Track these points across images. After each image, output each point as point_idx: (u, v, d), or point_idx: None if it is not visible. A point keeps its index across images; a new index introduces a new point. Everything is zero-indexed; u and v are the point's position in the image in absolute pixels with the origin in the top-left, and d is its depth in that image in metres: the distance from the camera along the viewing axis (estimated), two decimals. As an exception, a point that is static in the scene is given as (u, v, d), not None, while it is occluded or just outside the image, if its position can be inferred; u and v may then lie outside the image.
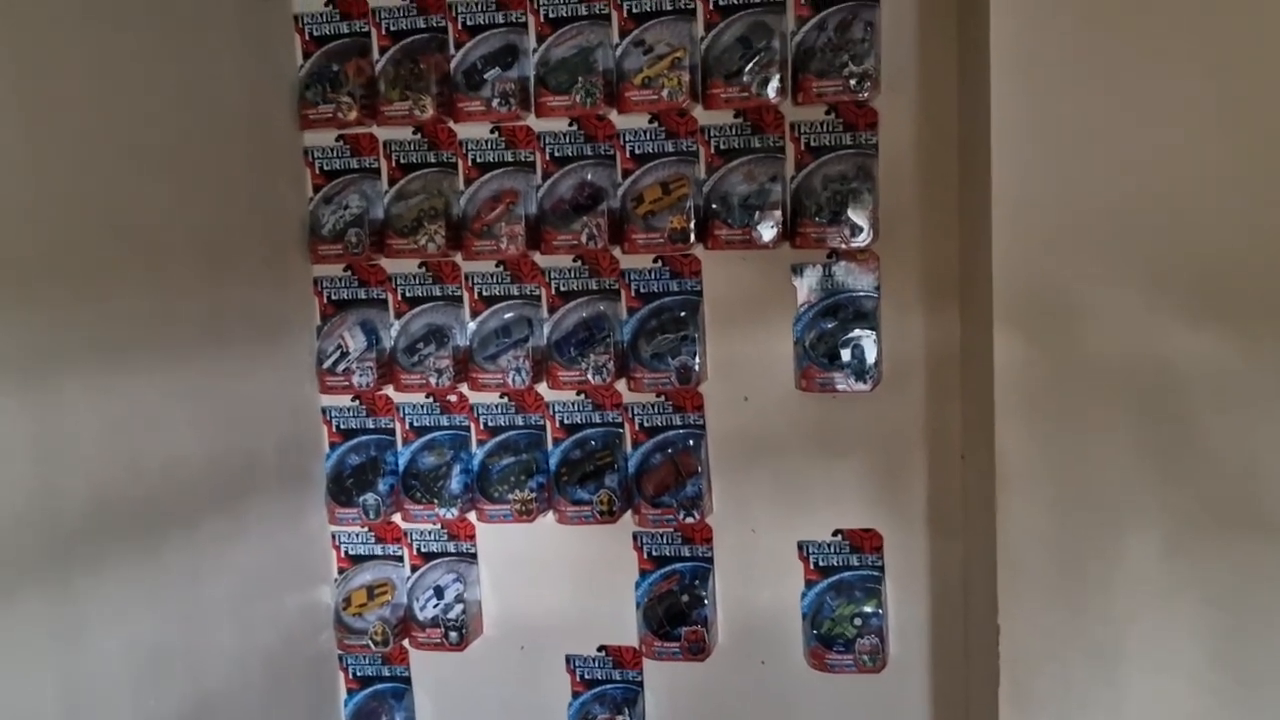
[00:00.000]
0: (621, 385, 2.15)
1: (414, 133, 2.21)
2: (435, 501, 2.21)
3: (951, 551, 2.08)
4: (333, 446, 2.30)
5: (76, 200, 1.59)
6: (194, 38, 1.89)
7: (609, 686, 2.27)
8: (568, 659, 2.29)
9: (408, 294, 2.24)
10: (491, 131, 2.17)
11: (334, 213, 2.22)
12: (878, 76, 1.97)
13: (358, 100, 2.15)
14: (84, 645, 1.58)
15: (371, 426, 2.29)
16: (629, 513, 2.17)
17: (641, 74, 2.03)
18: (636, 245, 2.07)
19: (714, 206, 2.05)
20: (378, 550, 2.32)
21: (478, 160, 2.19)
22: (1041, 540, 1.66)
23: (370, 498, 2.22)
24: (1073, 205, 1.60)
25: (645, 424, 2.18)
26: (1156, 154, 1.57)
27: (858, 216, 1.99)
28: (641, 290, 2.14)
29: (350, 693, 2.37)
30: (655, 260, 2.13)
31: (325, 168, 2.25)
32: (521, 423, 2.23)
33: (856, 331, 2.04)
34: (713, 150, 2.08)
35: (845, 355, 2.04)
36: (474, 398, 2.24)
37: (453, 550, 2.30)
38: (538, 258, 2.18)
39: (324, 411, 2.29)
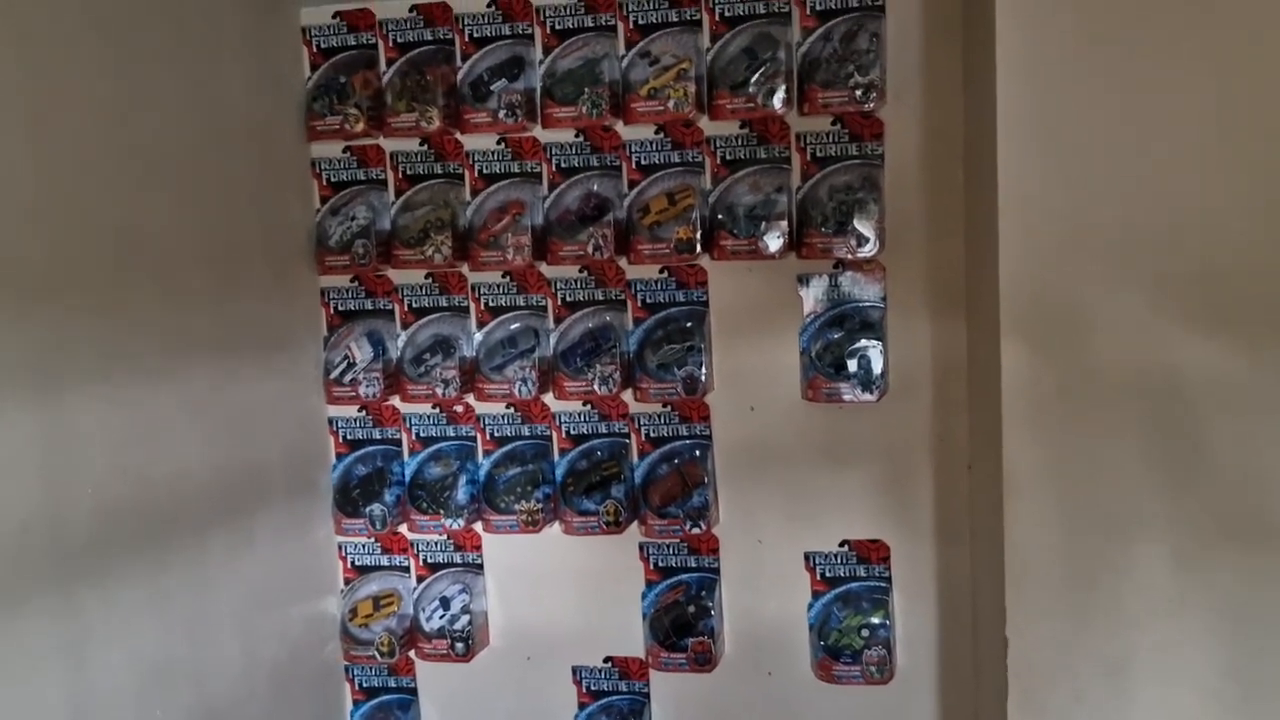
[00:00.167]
0: (628, 396, 2.15)
1: (421, 144, 2.21)
2: (441, 512, 2.21)
3: (959, 562, 2.08)
4: (339, 457, 2.30)
5: (85, 212, 1.60)
6: (202, 50, 1.90)
7: (615, 698, 2.27)
8: (574, 670, 2.28)
9: (414, 305, 2.25)
10: (498, 143, 2.18)
11: (341, 224, 2.23)
12: (883, 87, 1.97)
13: (365, 112, 2.16)
14: (90, 657, 1.58)
15: (378, 437, 2.29)
16: (635, 523, 2.16)
17: (647, 85, 2.03)
18: (642, 256, 2.07)
19: (720, 217, 2.06)
20: (384, 561, 2.32)
21: (484, 171, 2.19)
22: (1050, 550, 1.65)
23: (377, 508, 2.22)
24: (1079, 214, 1.60)
25: (651, 434, 2.18)
26: (1163, 162, 1.57)
27: (864, 227, 1.99)
28: (648, 301, 2.15)
29: (356, 704, 2.36)
30: (661, 271, 2.13)
31: (332, 179, 2.25)
32: (528, 433, 2.23)
33: (863, 342, 2.04)
34: (718, 161, 2.08)
35: (852, 365, 2.03)
36: (480, 408, 2.24)
37: (459, 561, 2.30)
38: (544, 268, 2.18)
39: (330, 422, 2.29)
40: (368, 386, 2.20)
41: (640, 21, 2.08)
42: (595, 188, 2.14)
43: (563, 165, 2.15)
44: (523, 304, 2.21)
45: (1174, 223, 1.57)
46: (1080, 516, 1.64)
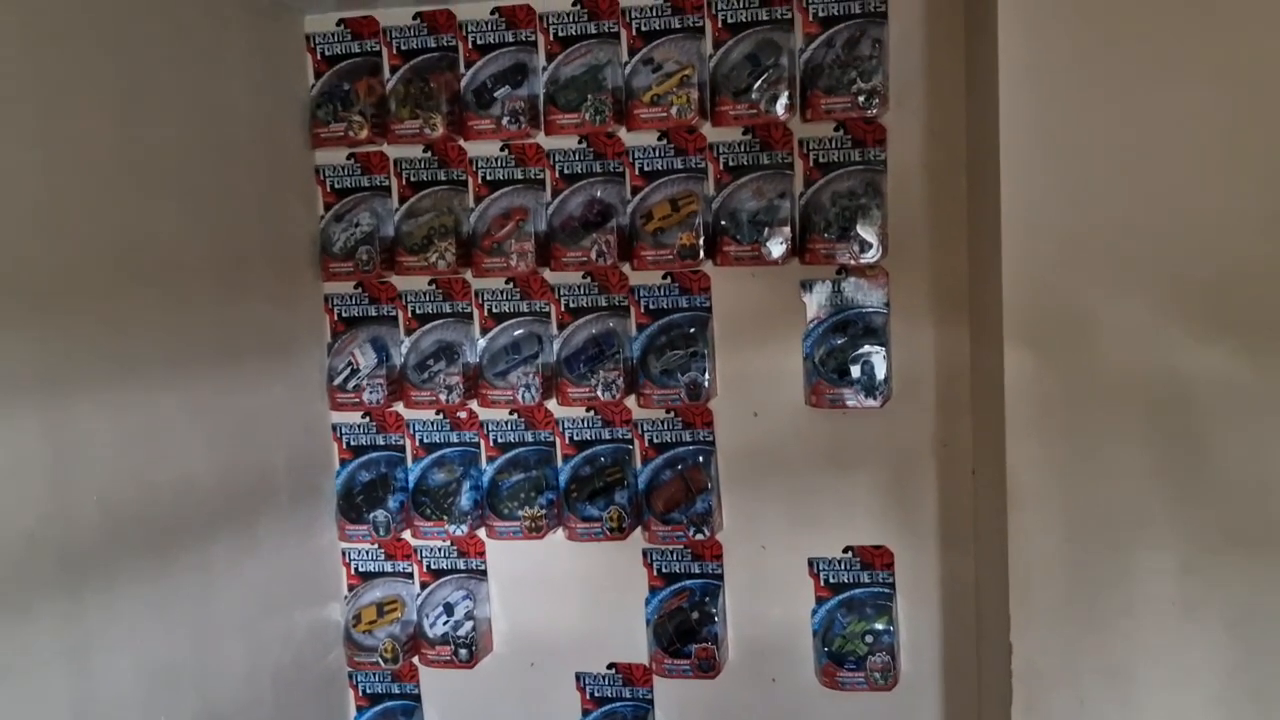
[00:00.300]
0: (631, 401, 2.15)
1: (424, 151, 2.22)
2: (445, 518, 2.21)
3: (963, 567, 2.07)
4: (343, 463, 2.30)
5: (90, 219, 1.61)
6: (206, 58, 1.91)
7: (619, 704, 2.26)
8: (577, 676, 2.28)
9: (418, 311, 2.25)
10: (501, 149, 2.19)
11: (345, 230, 2.23)
12: (886, 93, 1.98)
13: (369, 119, 2.17)
14: (95, 662, 1.58)
15: (382, 443, 2.29)
16: (639, 529, 2.16)
17: (650, 92, 2.04)
18: (646, 262, 2.07)
19: (723, 223, 2.06)
20: (388, 567, 2.32)
21: (488, 178, 2.20)
22: (1054, 556, 1.65)
23: (380, 514, 2.22)
24: (1082, 219, 1.60)
25: (655, 440, 2.18)
26: (1165, 167, 1.57)
27: (866, 232, 1.99)
28: (651, 307, 2.15)
29: (360, 710, 2.36)
30: (664, 277, 2.14)
31: (336, 186, 2.26)
32: (531, 439, 2.23)
33: (866, 347, 2.04)
34: (721, 167, 2.09)
35: (855, 371, 2.03)
36: (484, 414, 2.24)
37: (462, 567, 2.30)
38: (547, 274, 2.18)
39: (334, 428, 2.30)
40: (371, 393, 2.20)
41: (643, 28, 2.08)
42: (598, 194, 2.14)
43: (566, 172, 2.16)
44: (526, 310, 2.21)
45: (1177, 227, 1.57)
46: (1084, 522, 1.64)
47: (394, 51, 2.20)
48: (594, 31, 2.11)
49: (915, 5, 1.99)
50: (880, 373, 2.03)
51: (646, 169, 2.12)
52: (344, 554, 2.33)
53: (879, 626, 2.11)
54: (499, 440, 2.24)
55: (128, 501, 1.65)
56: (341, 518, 2.27)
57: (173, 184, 1.80)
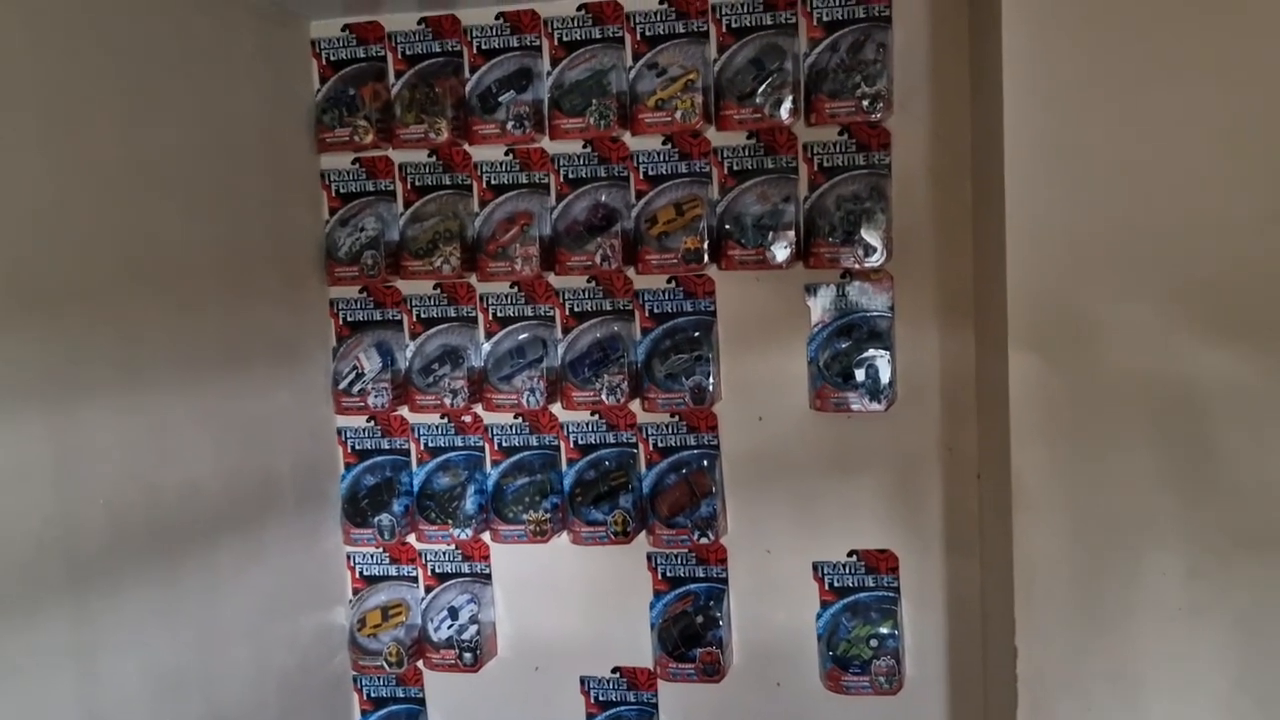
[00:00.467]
0: (635, 405, 2.15)
1: (429, 155, 2.22)
2: (450, 522, 2.21)
3: (968, 572, 2.07)
4: (348, 467, 2.30)
5: (96, 224, 1.61)
6: (213, 63, 1.92)
7: (623, 708, 2.26)
8: (582, 680, 2.28)
9: (423, 315, 2.25)
10: (506, 154, 2.19)
11: (350, 235, 2.24)
12: (890, 97, 1.98)
13: (374, 124, 2.17)
14: (101, 665, 1.58)
15: (386, 447, 2.30)
16: (643, 533, 2.16)
17: (655, 96, 2.04)
18: (650, 266, 2.07)
19: (727, 227, 2.06)
20: (392, 571, 2.32)
21: (492, 182, 2.20)
22: (1059, 560, 1.65)
23: (385, 518, 2.22)
24: (1087, 223, 1.60)
25: (659, 444, 2.18)
26: (1171, 171, 1.57)
27: (871, 236, 1.99)
28: (655, 310, 2.15)
29: (364, 714, 2.36)
30: (669, 281, 2.14)
31: (341, 190, 2.27)
32: (536, 443, 2.24)
33: (871, 351, 2.04)
34: (726, 171, 2.09)
35: (860, 375, 2.03)
36: (488, 418, 2.24)
37: (467, 571, 2.30)
38: (552, 279, 2.19)
39: (339, 432, 2.30)
40: (376, 397, 2.20)
41: (647, 33, 2.09)
42: (603, 198, 2.15)
43: (570, 176, 2.16)
44: (531, 314, 2.21)
45: (1183, 231, 1.57)
46: (1090, 526, 1.63)
47: (399, 56, 2.21)
48: (598, 36, 2.11)
49: (920, 9, 1.99)
50: (885, 377, 2.03)
51: (651, 173, 2.12)
52: (349, 558, 2.33)
53: (884, 630, 2.11)
54: (503, 444, 2.25)
55: (134, 505, 1.66)
56: (346, 522, 2.27)
57: (178, 188, 1.81)
